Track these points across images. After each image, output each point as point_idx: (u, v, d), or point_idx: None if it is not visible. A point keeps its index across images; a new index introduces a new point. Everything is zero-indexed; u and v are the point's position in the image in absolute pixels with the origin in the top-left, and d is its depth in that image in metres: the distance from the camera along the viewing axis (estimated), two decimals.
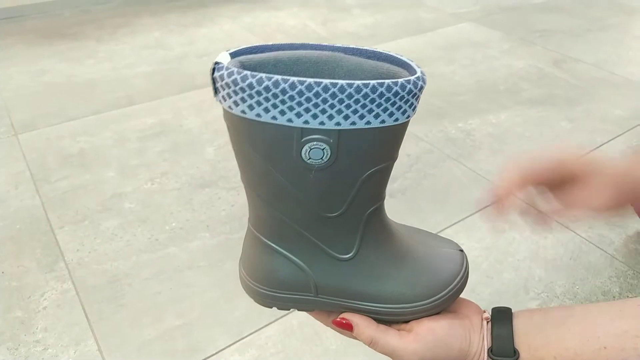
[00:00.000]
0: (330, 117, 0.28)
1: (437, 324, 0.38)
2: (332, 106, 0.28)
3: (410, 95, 0.29)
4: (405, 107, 0.29)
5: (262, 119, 0.28)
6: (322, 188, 0.32)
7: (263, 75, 0.27)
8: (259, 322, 0.73)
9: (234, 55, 0.31)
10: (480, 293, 0.78)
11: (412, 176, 1.03)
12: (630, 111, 1.27)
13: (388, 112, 0.29)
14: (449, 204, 0.96)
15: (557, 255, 0.85)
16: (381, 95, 0.28)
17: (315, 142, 0.29)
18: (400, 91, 0.28)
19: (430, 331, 0.38)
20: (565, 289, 0.79)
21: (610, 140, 1.15)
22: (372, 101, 0.28)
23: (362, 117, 0.28)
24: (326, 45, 0.33)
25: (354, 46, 0.33)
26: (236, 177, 1.02)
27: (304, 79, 0.27)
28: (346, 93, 0.27)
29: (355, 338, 0.40)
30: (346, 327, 0.39)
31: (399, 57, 0.32)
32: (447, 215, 0.93)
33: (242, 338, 0.71)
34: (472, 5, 1.98)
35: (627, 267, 0.83)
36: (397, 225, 0.39)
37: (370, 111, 0.28)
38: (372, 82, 0.28)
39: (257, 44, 0.32)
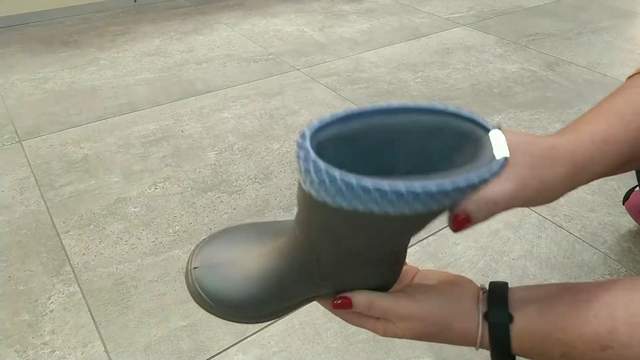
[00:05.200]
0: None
1: (429, 287, 0.41)
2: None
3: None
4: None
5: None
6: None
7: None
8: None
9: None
10: None
11: None
12: None
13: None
14: None
15: (551, 254, 0.87)
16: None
17: None
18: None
19: (422, 292, 0.40)
20: None
21: None
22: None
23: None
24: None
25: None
26: (237, 181, 1.04)
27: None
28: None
29: (360, 324, 0.42)
30: (345, 304, 0.40)
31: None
32: (443, 217, 0.95)
33: (246, 337, 0.73)
34: (466, 10, 2.01)
35: (620, 265, 0.85)
36: None
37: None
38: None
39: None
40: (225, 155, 1.12)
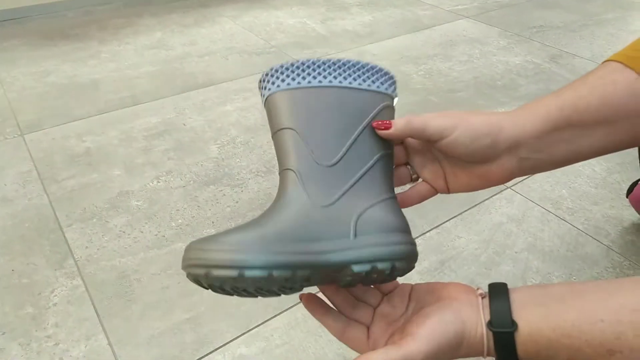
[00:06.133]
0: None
1: (427, 319, 0.39)
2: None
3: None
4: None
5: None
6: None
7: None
8: (264, 315, 0.75)
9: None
10: (479, 285, 0.80)
11: None
12: None
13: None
14: (448, 198, 0.97)
15: (554, 247, 0.87)
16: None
17: None
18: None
19: (423, 327, 0.39)
20: (562, 280, 0.81)
21: None
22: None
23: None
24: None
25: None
26: (240, 174, 1.04)
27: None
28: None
29: None
30: None
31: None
32: (445, 210, 0.95)
33: (249, 330, 0.73)
34: (469, 2, 2.00)
35: (623, 257, 0.85)
36: None
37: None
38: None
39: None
40: (228, 149, 1.12)
